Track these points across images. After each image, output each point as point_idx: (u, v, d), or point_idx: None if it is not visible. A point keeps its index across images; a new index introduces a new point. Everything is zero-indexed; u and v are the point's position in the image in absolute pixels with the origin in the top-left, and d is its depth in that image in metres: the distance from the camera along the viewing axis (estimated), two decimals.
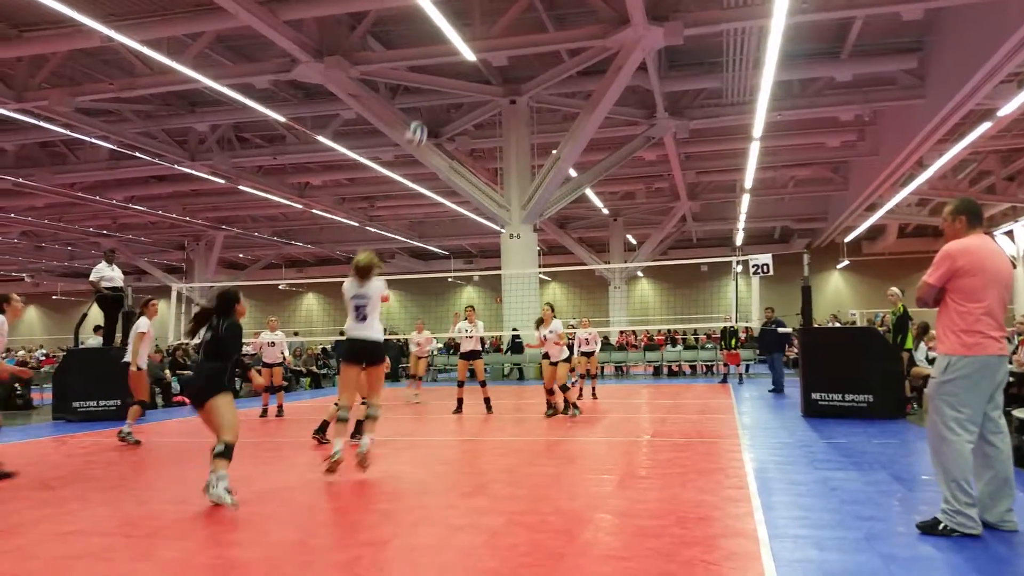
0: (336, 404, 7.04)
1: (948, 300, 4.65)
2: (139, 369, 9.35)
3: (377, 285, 6.85)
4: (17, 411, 15.17)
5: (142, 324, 9.39)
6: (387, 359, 7.08)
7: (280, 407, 12.85)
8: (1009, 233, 31.42)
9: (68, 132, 19.03)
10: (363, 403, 6.99)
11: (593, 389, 14.61)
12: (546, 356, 11.25)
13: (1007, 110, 15.93)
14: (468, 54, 13.70)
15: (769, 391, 15.05)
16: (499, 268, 19.84)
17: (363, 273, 6.79)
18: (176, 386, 15.75)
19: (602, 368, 22.18)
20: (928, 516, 4.64)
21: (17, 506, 5.82)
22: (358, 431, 7.79)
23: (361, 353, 6.73)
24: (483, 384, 12.35)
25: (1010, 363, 9.43)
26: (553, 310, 11.43)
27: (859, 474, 6.34)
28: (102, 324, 13.63)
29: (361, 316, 6.73)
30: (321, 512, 5.46)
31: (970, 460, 4.45)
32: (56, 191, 24.29)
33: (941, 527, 4.46)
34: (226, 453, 5.62)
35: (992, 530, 4.53)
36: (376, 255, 7.06)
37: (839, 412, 10.20)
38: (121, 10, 13.74)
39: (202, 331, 6.24)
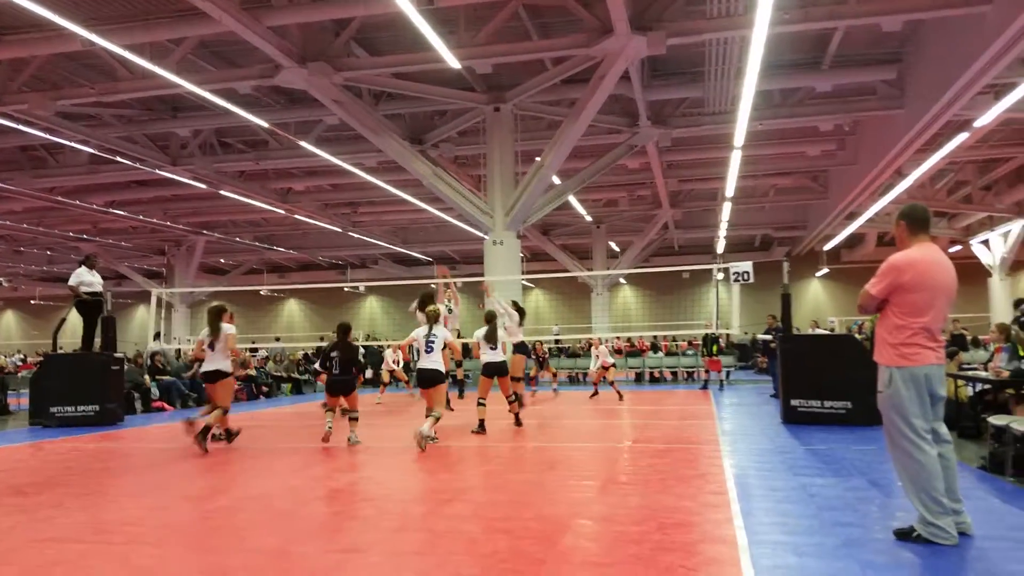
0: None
1: (889, 312, 4.67)
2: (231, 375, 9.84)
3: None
4: None
5: (232, 328, 9.78)
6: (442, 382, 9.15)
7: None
8: (985, 242, 31.84)
9: (48, 136, 18.84)
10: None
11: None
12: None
13: (984, 121, 16.14)
14: (452, 61, 13.72)
15: (771, 396, 15.14)
16: (482, 274, 19.82)
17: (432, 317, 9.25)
18: (155, 391, 15.62)
19: (583, 374, 22.26)
20: (905, 523, 4.69)
21: None
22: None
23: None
24: (512, 399, 10.72)
25: (985, 370, 9.58)
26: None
27: (838, 480, 6.40)
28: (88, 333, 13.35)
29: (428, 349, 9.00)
30: (301, 518, 5.44)
31: (936, 470, 4.47)
32: (35, 195, 24.03)
33: (915, 535, 4.51)
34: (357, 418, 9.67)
35: (966, 536, 4.59)
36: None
37: (818, 419, 10.28)
38: (103, 14, 13.65)
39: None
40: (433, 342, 8.92)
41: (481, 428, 10.06)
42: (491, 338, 10.46)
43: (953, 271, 4.69)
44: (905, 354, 4.56)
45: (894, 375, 4.60)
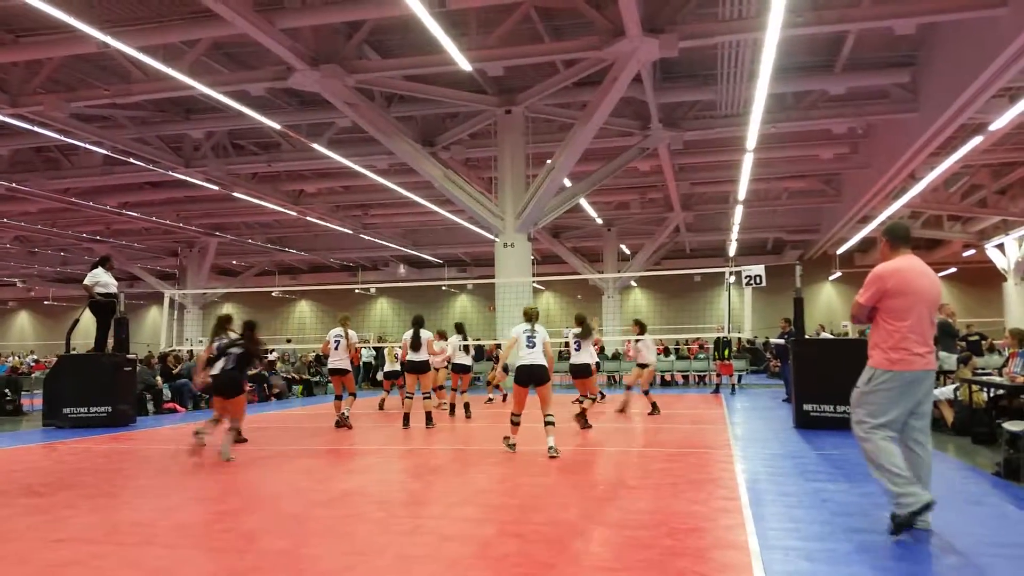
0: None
1: (879, 319, 4.99)
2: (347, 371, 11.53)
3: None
4: (7, 417, 15.10)
5: (355, 336, 11.45)
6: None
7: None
8: (1000, 246, 31.60)
9: (62, 138, 18.99)
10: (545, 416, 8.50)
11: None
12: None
13: (999, 124, 16.03)
14: (464, 64, 13.73)
15: (783, 400, 15.07)
16: (493, 277, 19.83)
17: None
18: (167, 393, 15.69)
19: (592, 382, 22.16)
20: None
21: (6, 513, 5.80)
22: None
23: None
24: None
25: (1000, 375, 9.51)
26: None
27: (850, 486, 6.35)
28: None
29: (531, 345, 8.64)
30: (312, 520, 5.45)
31: (894, 449, 4.76)
32: (50, 196, 24.21)
33: (896, 519, 4.68)
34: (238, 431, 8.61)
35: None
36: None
37: (831, 424, 10.21)
38: (117, 16, 13.74)
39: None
40: (534, 338, 8.67)
41: (585, 423, 10.97)
42: (581, 339, 10.81)
43: (936, 281, 5.02)
44: (893, 359, 4.85)
45: (876, 376, 4.91)
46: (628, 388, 13.87)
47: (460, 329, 14.44)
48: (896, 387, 4.82)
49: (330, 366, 11.77)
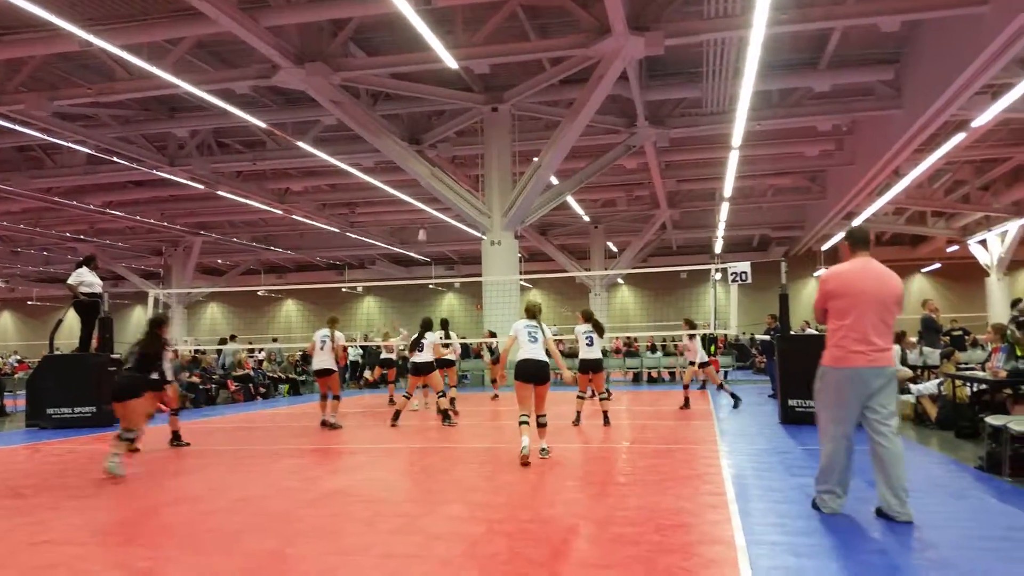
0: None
1: (828, 319, 5.32)
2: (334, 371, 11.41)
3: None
4: None
5: (342, 337, 11.49)
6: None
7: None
8: (983, 242, 31.88)
9: (45, 136, 18.82)
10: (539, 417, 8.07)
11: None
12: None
13: (981, 121, 16.15)
14: (450, 62, 13.71)
15: (769, 396, 15.14)
16: (480, 275, 19.82)
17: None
18: None
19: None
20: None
21: None
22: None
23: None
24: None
25: (983, 370, 9.59)
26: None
27: None
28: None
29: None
30: (298, 520, 5.43)
31: (840, 457, 5.13)
32: (32, 196, 24.00)
33: (812, 501, 5.33)
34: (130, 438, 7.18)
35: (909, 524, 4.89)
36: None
37: (816, 419, 10.25)
38: (100, 14, 13.63)
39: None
40: (536, 333, 7.99)
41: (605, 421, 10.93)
42: (596, 333, 10.86)
43: (887, 283, 5.18)
44: (835, 356, 5.14)
45: (822, 372, 5.25)
46: (686, 386, 13.95)
47: (444, 325, 14.41)
48: (835, 382, 5.13)
49: (314, 367, 11.69)
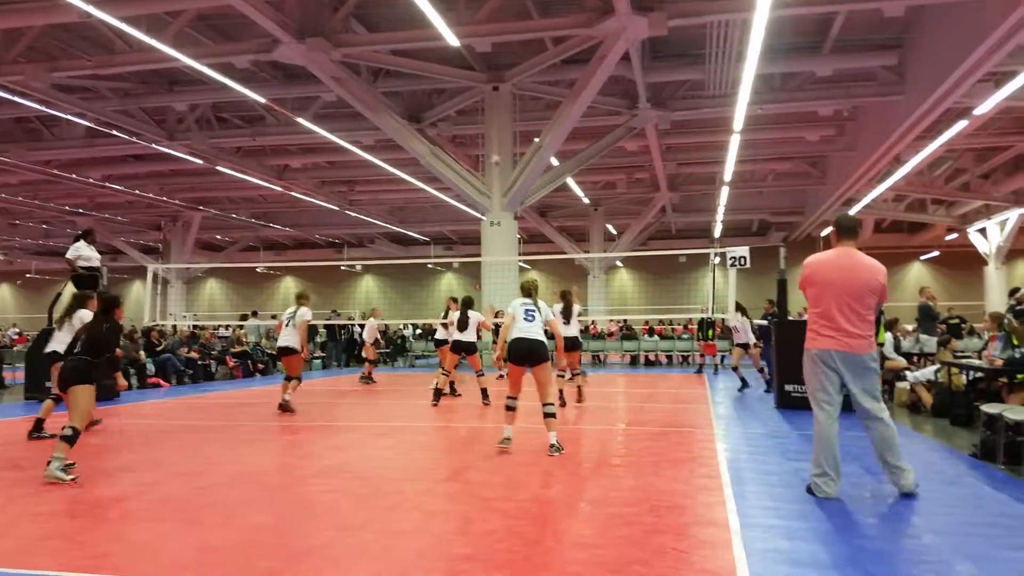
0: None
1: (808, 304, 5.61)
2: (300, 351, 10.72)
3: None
4: None
5: (308, 313, 10.75)
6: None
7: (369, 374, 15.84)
8: (982, 231, 31.87)
9: (44, 108, 18.73)
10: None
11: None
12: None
13: (983, 109, 16.11)
14: (452, 39, 13.62)
15: (766, 380, 15.17)
16: (479, 255, 19.80)
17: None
18: (151, 367, 15.62)
19: (579, 357, 22.24)
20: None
21: None
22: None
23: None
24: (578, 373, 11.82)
25: (979, 358, 9.61)
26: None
27: None
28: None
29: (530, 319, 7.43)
30: (295, 496, 5.46)
31: (831, 440, 5.27)
32: (31, 168, 23.92)
33: (807, 486, 5.40)
34: (71, 438, 6.06)
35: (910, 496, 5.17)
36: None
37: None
38: None
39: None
40: (533, 312, 7.40)
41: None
42: (567, 315, 10.97)
43: (859, 271, 5.34)
44: (810, 338, 5.44)
45: (806, 354, 5.48)
46: (735, 368, 14.13)
47: (468, 304, 13.76)
48: (810, 363, 5.40)
49: (278, 344, 11.08)
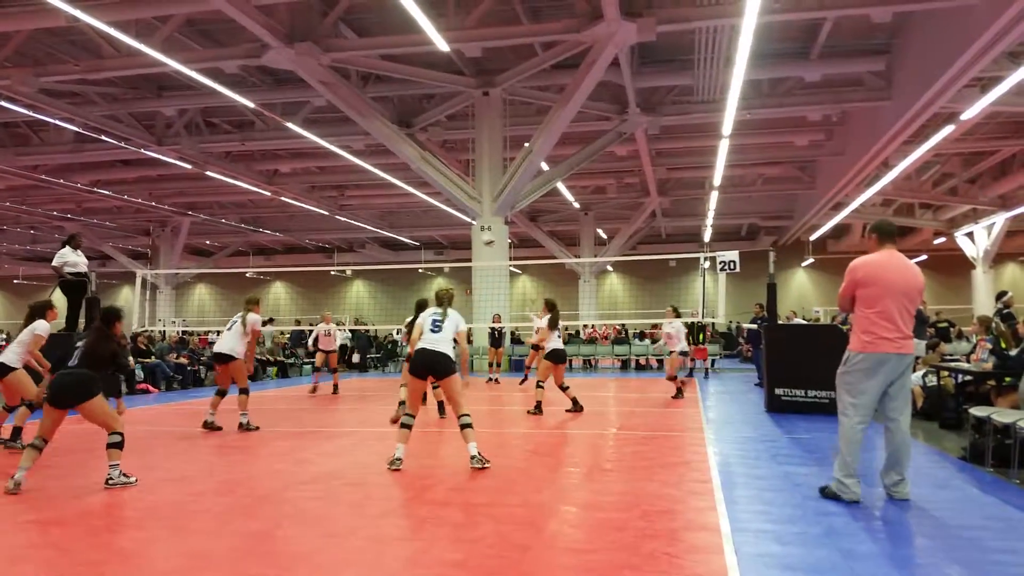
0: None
1: (856, 306, 5.48)
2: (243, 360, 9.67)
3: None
4: None
5: (257, 321, 9.75)
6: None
7: (335, 385, 14.90)
8: (969, 235, 32.07)
9: (31, 113, 18.63)
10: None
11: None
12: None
13: (970, 114, 16.23)
14: (441, 44, 13.63)
15: (755, 385, 15.22)
16: (470, 260, 19.80)
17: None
18: (140, 373, 15.52)
19: (570, 361, 22.28)
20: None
21: None
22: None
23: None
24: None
25: (968, 362, 9.68)
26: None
27: (821, 470, 6.44)
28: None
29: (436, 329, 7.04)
30: (285, 503, 5.43)
31: (858, 442, 5.30)
32: (18, 173, 23.78)
33: (825, 491, 5.40)
34: (120, 443, 6.14)
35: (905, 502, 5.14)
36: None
37: (802, 408, 10.35)
38: None
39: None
40: (440, 322, 7.01)
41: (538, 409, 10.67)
42: (554, 325, 10.81)
43: (911, 273, 5.42)
44: (864, 342, 5.32)
45: (851, 357, 5.40)
46: (672, 377, 13.19)
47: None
48: (866, 367, 5.29)
49: (215, 349, 9.73)
